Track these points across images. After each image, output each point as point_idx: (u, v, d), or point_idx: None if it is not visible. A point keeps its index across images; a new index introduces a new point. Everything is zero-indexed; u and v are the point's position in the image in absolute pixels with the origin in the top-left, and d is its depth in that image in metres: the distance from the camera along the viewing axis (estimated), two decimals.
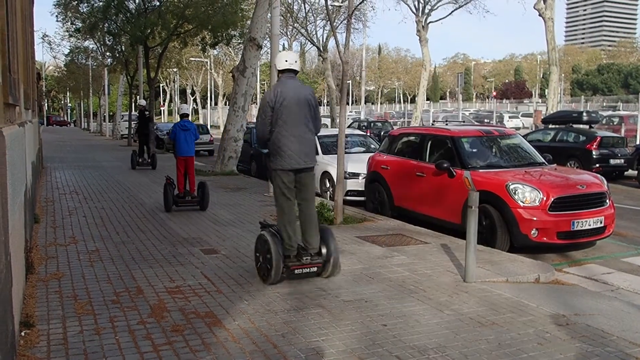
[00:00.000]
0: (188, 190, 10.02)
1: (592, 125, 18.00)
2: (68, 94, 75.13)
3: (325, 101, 70.29)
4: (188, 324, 4.46)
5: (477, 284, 5.62)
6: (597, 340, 4.28)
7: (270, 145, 5.64)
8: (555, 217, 7.25)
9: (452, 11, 32.84)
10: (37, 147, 13.34)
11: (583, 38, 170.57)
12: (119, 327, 4.38)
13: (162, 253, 6.77)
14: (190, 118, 10.95)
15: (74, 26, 29.39)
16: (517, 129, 32.17)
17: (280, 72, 5.73)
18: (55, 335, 4.20)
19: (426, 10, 32.70)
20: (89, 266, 6.14)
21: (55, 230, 8.00)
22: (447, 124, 11.66)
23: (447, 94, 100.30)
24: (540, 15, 25.83)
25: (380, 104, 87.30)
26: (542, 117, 22.76)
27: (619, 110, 40.44)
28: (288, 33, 37.68)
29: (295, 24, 33.40)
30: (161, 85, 69.81)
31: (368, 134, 19.12)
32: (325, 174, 11.94)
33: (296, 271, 5.49)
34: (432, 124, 20.29)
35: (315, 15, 32.55)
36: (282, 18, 28.64)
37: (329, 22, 27.51)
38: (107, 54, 33.75)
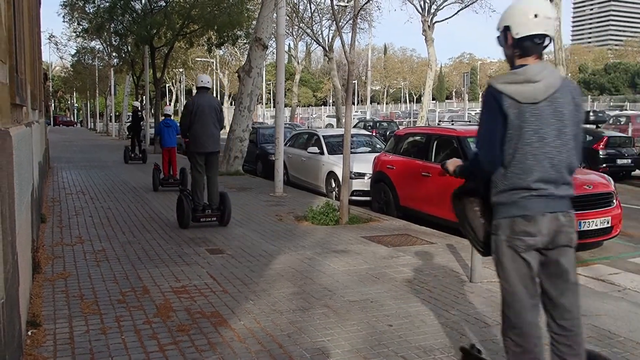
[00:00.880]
0: (171, 174, 12.73)
1: (599, 125, 17.94)
2: (74, 94, 75.46)
3: (330, 101, 70.32)
4: (194, 323, 4.47)
5: (483, 284, 5.61)
6: (604, 341, 4.26)
7: (189, 136, 8.28)
8: None
9: (458, 11, 32.72)
10: (44, 148, 13.41)
11: (590, 37, 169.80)
12: (125, 326, 4.39)
13: (168, 253, 6.79)
14: (172, 117, 13.58)
15: (80, 27, 29.49)
16: None
17: (198, 88, 8.50)
18: (62, 334, 4.22)
19: (432, 10, 32.63)
20: (95, 266, 6.16)
21: (62, 230, 8.04)
22: (453, 124, 11.63)
23: (453, 93, 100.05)
24: None
25: (386, 103, 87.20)
26: None
27: (626, 109, 40.25)
28: (294, 33, 37.74)
29: (300, 24, 33.43)
30: (167, 85, 69.96)
31: (374, 133, 19.11)
32: (331, 174, 11.95)
33: (201, 219, 8.30)
34: (438, 124, 20.25)
35: (320, 15, 32.62)
36: (287, 18, 28.66)
37: (334, 22, 27.50)
38: (114, 54, 33.88)
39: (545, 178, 2.73)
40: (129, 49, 28.87)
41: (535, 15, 2.72)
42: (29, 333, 4.17)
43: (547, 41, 2.76)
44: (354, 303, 5.02)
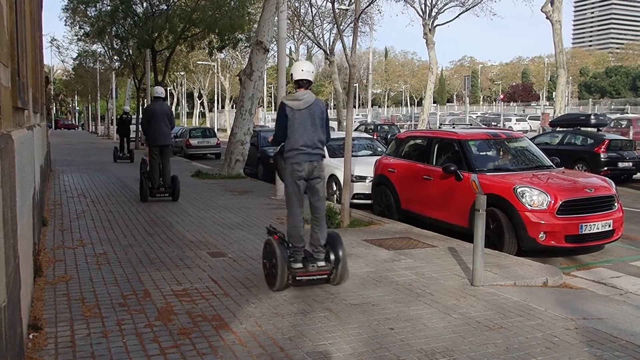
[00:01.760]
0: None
1: (600, 128, 17.92)
2: (76, 97, 75.62)
3: (332, 104, 70.31)
4: (195, 327, 4.47)
5: (484, 287, 5.60)
6: (606, 344, 4.25)
7: (147, 133, 10.85)
8: (563, 220, 7.21)
9: (459, 14, 32.86)
10: (46, 151, 13.42)
11: (591, 40, 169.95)
12: (127, 330, 4.39)
13: (170, 256, 6.79)
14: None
15: (82, 30, 29.60)
16: (525, 132, 32.06)
17: (154, 97, 10.99)
18: (63, 338, 4.22)
19: (433, 14, 32.71)
20: (96, 269, 6.16)
21: (63, 233, 8.04)
22: (454, 127, 11.63)
23: (454, 97, 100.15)
24: (547, 17, 25.78)
25: (387, 107, 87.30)
26: (550, 120, 22.71)
27: (627, 113, 40.27)
28: (295, 36, 37.79)
29: (302, 28, 33.47)
30: (168, 88, 70.09)
31: (375, 137, 19.10)
32: (332, 177, 11.94)
33: (157, 195, 11.09)
34: (439, 127, 20.24)
35: (322, 18, 32.66)
36: (289, 21, 28.69)
37: (335, 26, 27.55)
38: (115, 57, 33.97)
39: (305, 144, 5.47)
40: (131, 52, 28.95)
41: (302, 70, 5.58)
42: (31, 336, 4.17)
43: (308, 82, 5.60)
44: (355, 306, 5.01)
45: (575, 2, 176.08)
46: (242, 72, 15.89)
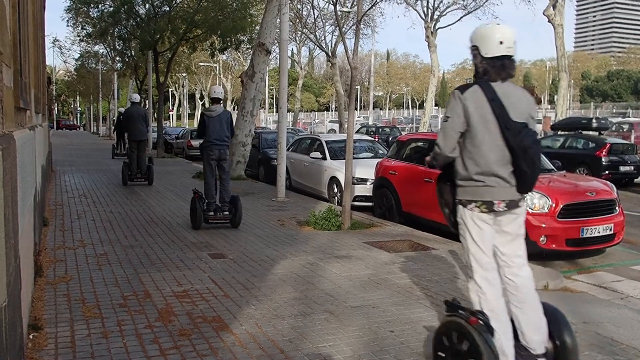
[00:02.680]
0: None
1: (602, 132, 17.91)
2: (78, 98, 75.72)
3: (333, 106, 70.37)
4: (195, 328, 4.47)
5: None
6: (606, 348, 4.25)
7: (127, 131, 13.75)
8: (564, 224, 7.21)
9: (461, 17, 32.82)
10: (47, 151, 13.43)
11: (592, 44, 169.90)
12: (127, 330, 4.39)
13: (170, 257, 6.79)
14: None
15: (84, 31, 29.62)
16: None
17: (131, 102, 13.92)
18: (63, 338, 4.22)
19: (435, 17, 32.73)
20: (97, 269, 6.16)
21: (64, 234, 8.04)
22: None
23: None
24: (549, 21, 25.80)
25: (389, 109, 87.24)
26: (551, 124, 22.69)
27: (628, 117, 40.22)
28: (297, 38, 37.81)
29: (304, 30, 33.47)
30: (170, 89, 70.16)
31: (376, 139, 19.11)
32: (333, 179, 11.95)
33: (134, 180, 13.88)
34: None
35: (324, 20, 32.66)
36: (291, 23, 28.75)
37: (337, 28, 27.55)
38: (117, 58, 34.04)
39: (215, 138, 8.44)
40: (133, 53, 28.97)
41: (215, 92, 8.97)
42: (31, 336, 4.17)
43: (219, 99, 8.83)
44: (355, 309, 5.01)
45: (577, 6, 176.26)
46: (244, 73, 15.89)
